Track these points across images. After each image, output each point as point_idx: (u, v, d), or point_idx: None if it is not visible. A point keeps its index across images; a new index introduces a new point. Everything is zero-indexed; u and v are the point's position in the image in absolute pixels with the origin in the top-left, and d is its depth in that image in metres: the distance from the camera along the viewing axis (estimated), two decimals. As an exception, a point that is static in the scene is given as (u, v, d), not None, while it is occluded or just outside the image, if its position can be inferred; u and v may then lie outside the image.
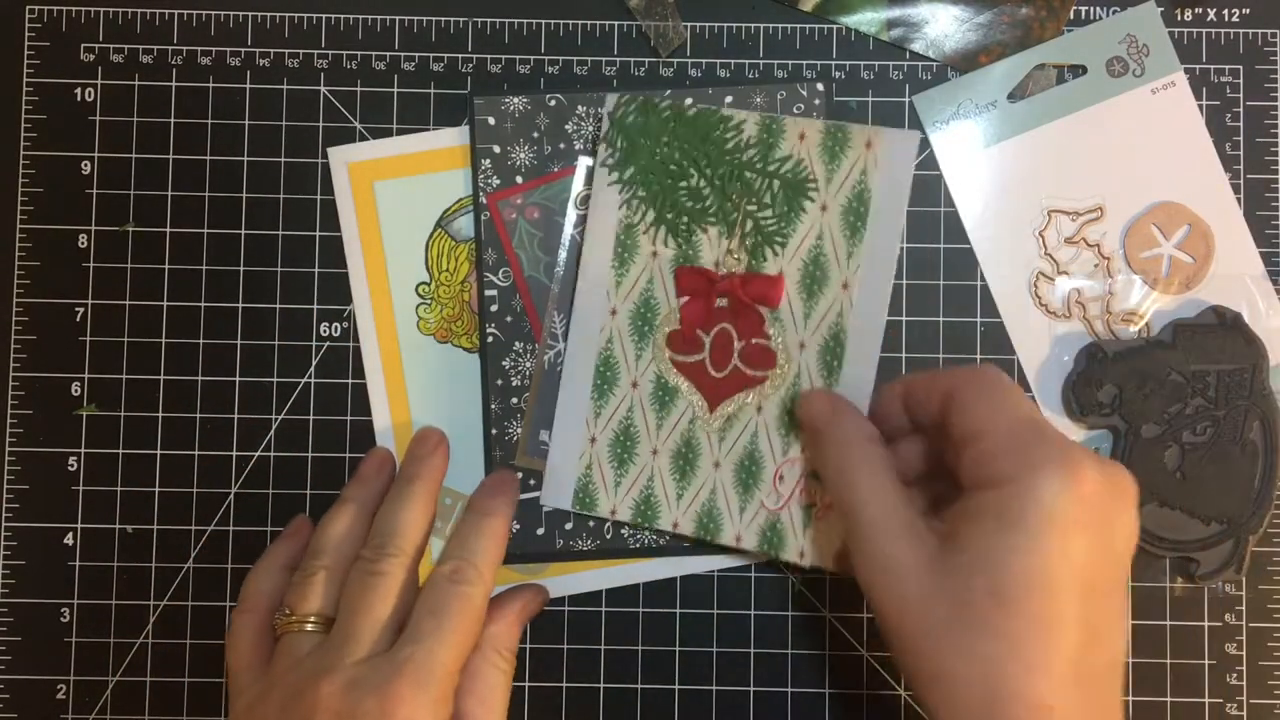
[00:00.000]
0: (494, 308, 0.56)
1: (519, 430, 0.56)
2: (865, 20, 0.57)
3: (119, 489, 0.56)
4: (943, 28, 0.57)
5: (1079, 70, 0.57)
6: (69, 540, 0.56)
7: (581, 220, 0.56)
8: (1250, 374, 0.54)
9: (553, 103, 0.56)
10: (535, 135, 0.56)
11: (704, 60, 0.57)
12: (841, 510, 0.46)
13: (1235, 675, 0.56)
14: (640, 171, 0.55)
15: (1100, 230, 0.56)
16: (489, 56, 0.57)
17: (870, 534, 0.44)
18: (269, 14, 0.57)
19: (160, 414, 0.57)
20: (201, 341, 0.57)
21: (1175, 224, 0.56)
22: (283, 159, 0.57)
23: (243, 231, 0.57)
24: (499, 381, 0.56)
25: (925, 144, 0.57)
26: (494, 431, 0.56)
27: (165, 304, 0.57)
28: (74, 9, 0.57)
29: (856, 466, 0.46)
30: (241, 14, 0.57)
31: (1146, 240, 0.56)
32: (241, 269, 0.57)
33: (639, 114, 0.55)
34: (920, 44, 0.57)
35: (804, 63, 0.57)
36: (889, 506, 0.44)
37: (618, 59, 0.57)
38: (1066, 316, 0.56)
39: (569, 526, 0.56)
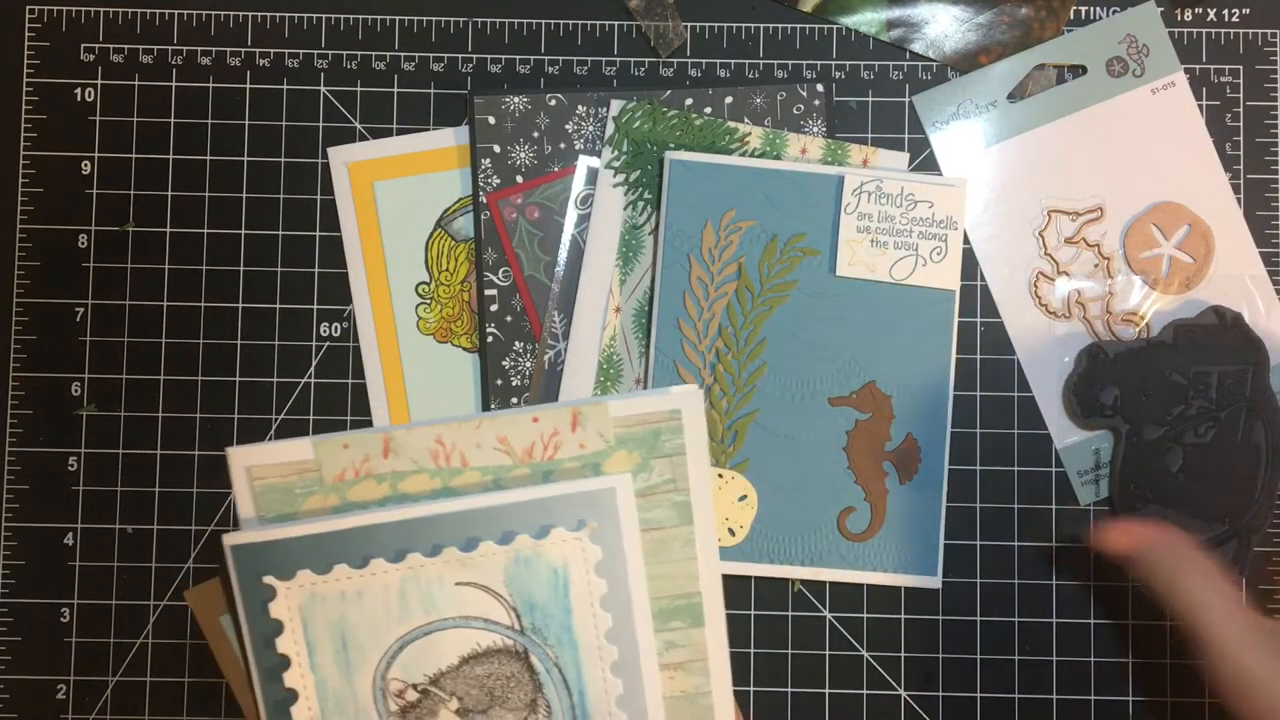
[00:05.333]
0: (494, 308, 0.56)
1: (519, 430, 0.56)
2: (865, 20, 0.57)
3: (119, 489, 0.56)
4: (943, 28, 0.57)
5: (1079, 70, 0.57)
6: (69, 540, 0.56)
7: (582, 220, 0.56)
8: (1251, 374, 0.54)
9: (553, 102, 0.56)
10: (535, 135, 0.56)
11: (704, 60, 0.57)
12: (1193, 631, 0.48)
13: (1235, 675, 0.56)
14: (646, 175, 0.55)
15: (1100, 230, 0.56)
16: (489, 56, 0.57)
17: (1226, 653, 0.47)
18: (269, 14, 0.57)
19: (160, 414, 0.57)
20: (201, 341, 0.57)
21: (1175, 224, 0.56)
22: (283, 159, 0.57)
23: (243, 231, 0.57)
24: (499, 381, 0.56)
25: (925, 144, 0.57)
26: (494, 431, 0.56)
27: (165, 304, 0.57)
28: (74, 9, 0.57)
29: (1200, 595, 0.48)
30: (241, 14, 0.57)
31: (1146, 240, 0.56)
32: (241, 269, 0.57)
33: (645, 119, 0.55)
34: (920, 44, 0.57)
35: (804, 63, 0.57)
36: (1241, 627, 0.47)
37: (618, 59, 0.57)
38: (1066, 316, 0.56)
39: (569, 526, 0.56)
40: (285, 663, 0.50)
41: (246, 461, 0.51)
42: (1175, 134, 0.57)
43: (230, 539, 0.50)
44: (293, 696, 0.50)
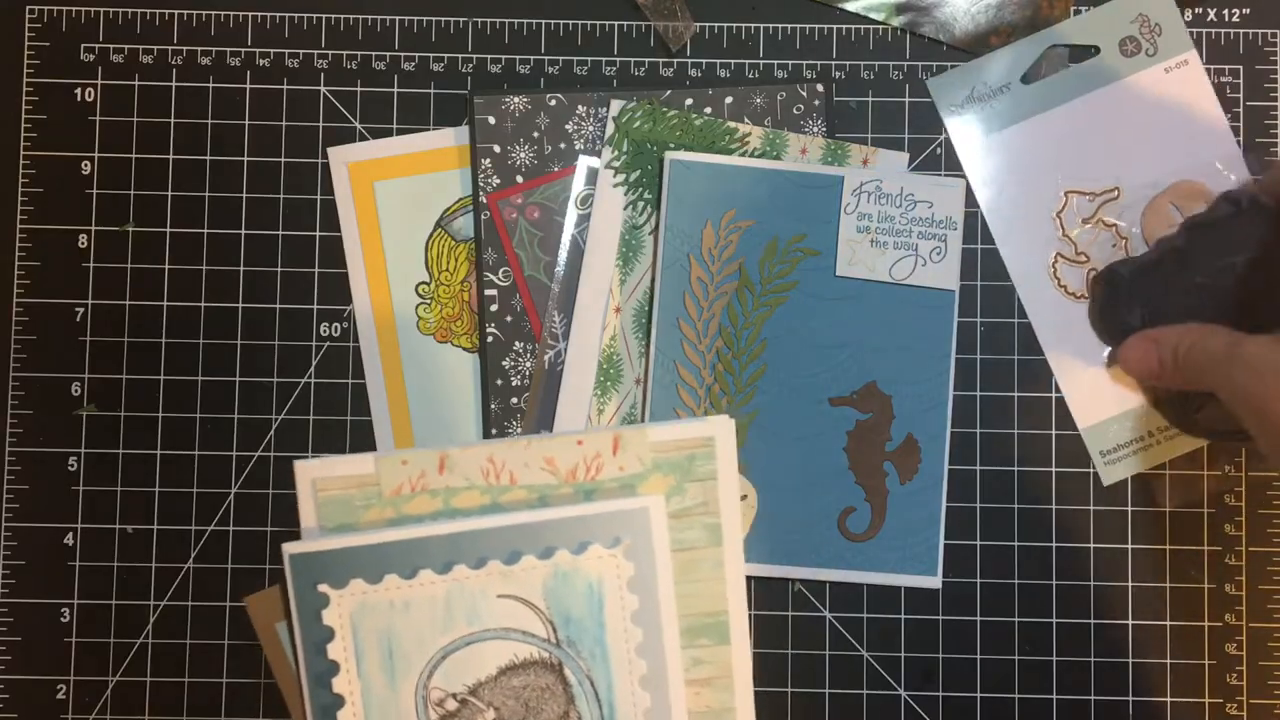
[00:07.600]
0: (494, 308, 0.56)
1: (519, 430, 0.56)
2: (873, 5, 0.57)
3: (119, 489, 0.56)
4: (951, 11, 0.57)
5: (1092, 51, 0.57)
6: (69, 540, 0.56)
7: (582, 220, 0.56)
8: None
9: (553, 102, 0.56)
10: (535, 135, 0.56)
11: (704, 60, 0.57)
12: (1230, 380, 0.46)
13: (1235, 675, 0.56)
14: (646, 175, 0.55)
15: (1117, 210, 0.56)
16: (489, 56, 0.57)
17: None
18: (269, 14, 0.57)
19: (160, 414, 0.57)
20: (201, 341, 0.57)
21: (1192, 202, 0.56)
22: (283, 159, 0.57)
23: (243, 231, 0.57)
24: (499, 381, 0.56)
25: (925, 144, 0.57)
26: (494, 431, 0.56)
27: (165, 304, 0.57)
28: (74, 9, 0.57)
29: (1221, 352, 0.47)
30: (241, 14, 0.57)
31: (1164, 219, 0.56)
32: (241, 269, 0.57)
33: (645, 119, 0.55)
34: (930, 28, 0.57)
35: (804, 63, 0.57)
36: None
37: (618, 59, 0.57)
38: (1086, 298, 0.56)
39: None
40: (334, 668, 0.51)
41: (312, 474, 0.52)
42: (1190, 112, 0.56)
43: (289, 548, 0.51)
44: (339, 701, 0.51)
